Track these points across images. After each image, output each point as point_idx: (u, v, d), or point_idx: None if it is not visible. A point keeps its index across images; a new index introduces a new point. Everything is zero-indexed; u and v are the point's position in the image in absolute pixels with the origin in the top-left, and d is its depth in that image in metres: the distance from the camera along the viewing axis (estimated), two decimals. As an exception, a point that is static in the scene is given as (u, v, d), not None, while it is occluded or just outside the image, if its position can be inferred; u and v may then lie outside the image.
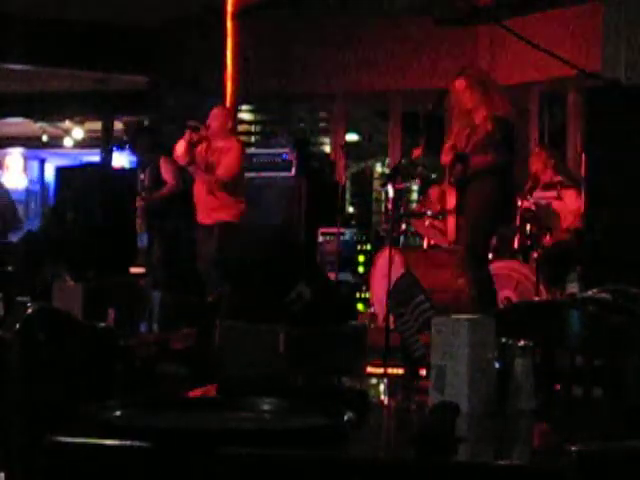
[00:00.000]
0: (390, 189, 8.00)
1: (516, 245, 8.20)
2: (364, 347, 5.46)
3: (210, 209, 8.26)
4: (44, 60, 11.78)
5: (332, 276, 9.01)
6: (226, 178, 8.18)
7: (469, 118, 7.10)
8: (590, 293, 3.43)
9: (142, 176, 9.35)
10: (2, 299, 5.35)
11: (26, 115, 15.22)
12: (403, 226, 8.94)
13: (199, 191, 8.33)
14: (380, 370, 5.24)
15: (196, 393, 2.83)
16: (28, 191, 17.92)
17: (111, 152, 14.32)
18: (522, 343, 2.61)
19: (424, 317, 3.88)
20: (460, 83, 7.10)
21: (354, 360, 4.96)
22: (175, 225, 8.97)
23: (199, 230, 8.38)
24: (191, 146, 8.19)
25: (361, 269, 10.00)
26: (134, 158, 14.95)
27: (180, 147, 8.25)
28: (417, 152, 8.93)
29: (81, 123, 15.75)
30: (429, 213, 8.26)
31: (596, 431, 2.39)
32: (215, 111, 8.54)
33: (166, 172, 9.41)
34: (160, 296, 6.94)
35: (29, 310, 3.11)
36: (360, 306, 9.54)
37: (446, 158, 7.14)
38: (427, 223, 8.40)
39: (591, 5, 8.87)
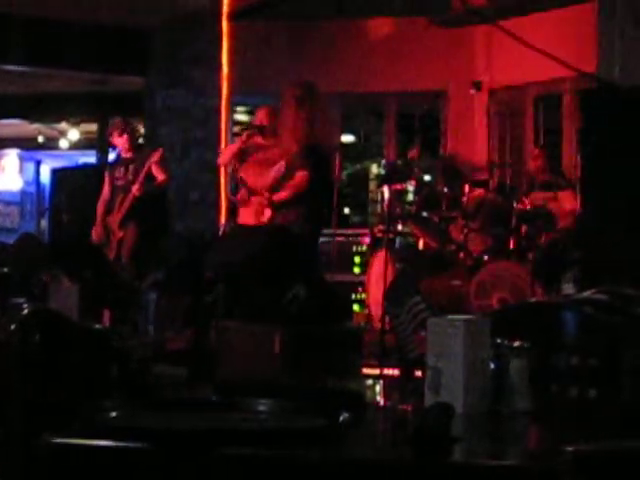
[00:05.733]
0: (386, 190, 8.01)
1: (512, 246, 8.21)
2: (360, 348, 5.46)
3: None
4: (41, 61, 11.76)
5: (328, 277, 9.00)
6: None
7: None
8: (586, 294, 3.44)
9: (119, 172, 9.24)
10: (-2, 300, 5.34)
11: (22, 116, 15.21)
12: (399, 227, 8.94)
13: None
14: (376, 371, 5.23)
15: (194, 394, 2.83)
16: (23, 192, 17.89)
17: (107, 153, 14.29)
18: (517, 344, 2.61)
19: (420, 318, 3.89)
20: None
21: (350, 361, 4.96)
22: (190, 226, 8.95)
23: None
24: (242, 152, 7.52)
25: (357, 270, 9.99)
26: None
27: (229, 151, 7.82)
28: (413, 153, 8.94)
29: (77, 124, 15.73)
30: (425, 214, 8.27)
31: (592, 431, 2.40)
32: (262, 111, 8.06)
33: (161, 168, 9.20)
34: (156, 297, 6.94)
35: (25, 312, 3.11)
36: (356, 307, 9.55)
37: None
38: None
39: (587, 6, 8.87)
